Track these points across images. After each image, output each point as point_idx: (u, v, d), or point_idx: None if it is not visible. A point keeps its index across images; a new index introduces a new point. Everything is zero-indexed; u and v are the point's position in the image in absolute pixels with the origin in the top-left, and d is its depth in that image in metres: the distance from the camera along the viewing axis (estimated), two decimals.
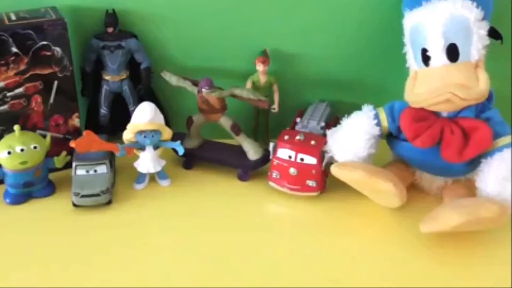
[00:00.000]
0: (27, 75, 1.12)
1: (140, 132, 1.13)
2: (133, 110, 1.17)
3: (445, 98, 1.00)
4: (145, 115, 1.12)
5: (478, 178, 1.03)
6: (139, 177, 1.19)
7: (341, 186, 1.10)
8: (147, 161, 1.16)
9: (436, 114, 1.05)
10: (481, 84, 1.01)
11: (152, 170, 1.17)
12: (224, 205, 1.13)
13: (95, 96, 1.29)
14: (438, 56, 1.02)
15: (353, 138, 1.09)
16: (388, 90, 1.24)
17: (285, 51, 1.26)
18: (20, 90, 1.13)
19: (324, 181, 1.15)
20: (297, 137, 1.14)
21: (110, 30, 1.21)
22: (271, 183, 1.16)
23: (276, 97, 1.25)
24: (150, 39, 1.26)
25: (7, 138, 1.11)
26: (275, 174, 1.15)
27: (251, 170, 1.21)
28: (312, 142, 1.13)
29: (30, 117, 1.16)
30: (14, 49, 1.09)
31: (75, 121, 1.21)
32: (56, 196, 1.15)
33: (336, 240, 1.04)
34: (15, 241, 1.03)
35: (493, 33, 1.06)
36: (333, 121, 1.23)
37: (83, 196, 1.10)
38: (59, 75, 1.15)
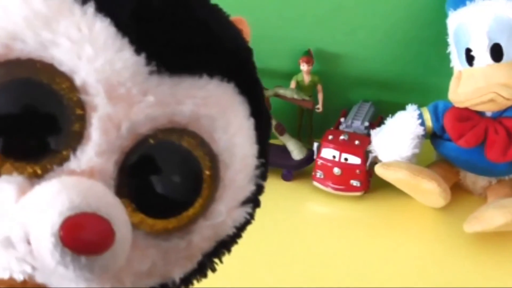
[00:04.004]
0: None
1: None
2: None
3: (489, 98, 1.02)
4: None
5: None
6: None
7: (385, 186, 1.14)
8: None
9: (480, 114, 1.08)
10: None
11: None
12: (268, 204, 1.13)
13: None
14: (482, 56, 1.04)
15: (397, 138, 1.12)
16: (432, 89, 1.28)
17: (329, 51, 1.30)
18: None
19: (368, 181, 1.18)
20: (341, 137, 1.17)
21: None
22: (315, 183, 1.19)
23: (320, 97, 1.29)
24: None
25: None
26: (319, 174, 1.18)
27: (295, 170, 1.24)
28: (356, 142, 1.16)
29: None
30: None
31: None
32: None
33: (380, 239, 1.07)
34: None
35: None
36: (377, 121, 1.26)
37: None
38: None
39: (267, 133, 0.52)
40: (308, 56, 1.26)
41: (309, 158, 1.23)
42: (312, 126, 1.35)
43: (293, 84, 1.28)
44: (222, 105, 0.45)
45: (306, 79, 1.27)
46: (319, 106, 1.29)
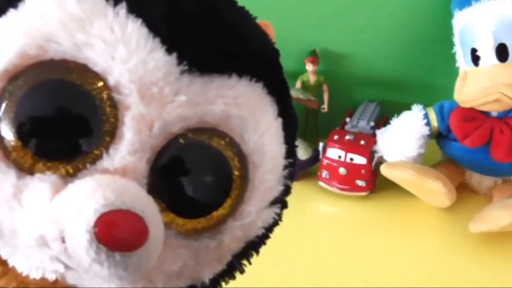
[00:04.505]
0: None
1: None
2: None
3: (494, 98, 1.03)
4: None
5: None
6: None
7: (391, 186, 1.14)
8: None
9: (486, 114, 1.08)
10: None
11: None
12: None
13: None
14: (488, 56, 1.05)
15: (402, 138, 1.13)
16: (437, 90, 1.29)
17: (334, 51, 1.30)
18: None
19: (374, 181, 1.19)
20: (347, 137, 1.18)
21: None
22: (321, 183, 1.20)
23: (325, 97, 1.29)
24: None
25: None
26: (324, 173, 1.19)
27: (300, 170, 1.23)
28: (362, 142, 1.17)
29: None
30: None
31: None
32: None
33: (385, 239, 1.07)
34: None
35: None
36: (382, 121, 1.27)
37: None
38: None
39: (294, 133, 0.52)
40: (314, 56, 1.27)
41: (315, 158, 1.23)
42: (317, 126, 1.35)
43: (298, 84, 1.29)
44: (251, 105, 0.46)
45: (312, 79, 1.28)
46: (325, 106, 1.30)
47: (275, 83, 0.49)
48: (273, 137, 0.48)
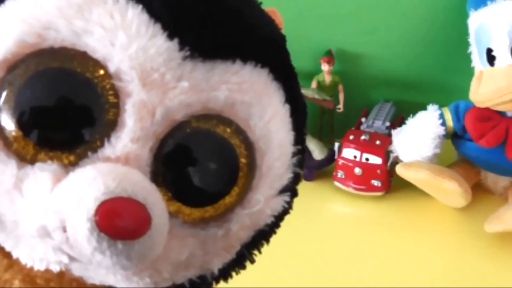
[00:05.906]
0: None
1: None
2: None
3: (510, 98, 1.03)
4: None
5: None
6: None
7: (406, 186, 1.15)
8: None
9: (501, 114, 1.08)
10: None
11: None
12: None
13: None
14: (503, 56, 1.04)
15: (418, 138, 1.13)
16: (453, 89, 1.28)
17: (350, 51, 1.31)
18: None
19: (389, 181, 1.19)
20: (362, 137, 1.18)
21: None
22: (336, 183, 1.20)
23: (341, 97, 1.29)
24: None
25: None
26: (340, 174, 1.19)
27: (316, 170, 1.25)
28: (377, 142, 1.17)
29: None
30: None
31: None
32: None
33: (401, 239, 1.07)
34: None
35: None
36: (398, 121, 1.27)
37: None
38: None
39: (302, 119, 0.51)
40: (329, 56, 1.27)
41: (330, 158, 1.23)
42: (333, 126, 1.35)
43: (314, 84, 1.29)
44: (257, 91, 0.45)
45: (327, 79, 1.28)
46: (340, 106, 1.30)
47: (282, 69, 0.48)
48: (280, 123, 0.47)
